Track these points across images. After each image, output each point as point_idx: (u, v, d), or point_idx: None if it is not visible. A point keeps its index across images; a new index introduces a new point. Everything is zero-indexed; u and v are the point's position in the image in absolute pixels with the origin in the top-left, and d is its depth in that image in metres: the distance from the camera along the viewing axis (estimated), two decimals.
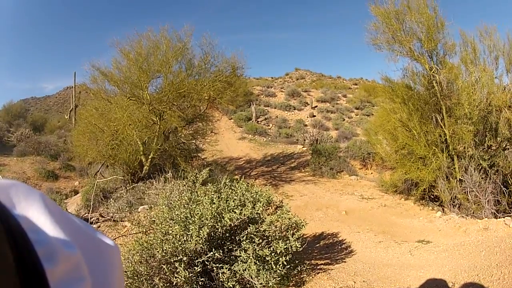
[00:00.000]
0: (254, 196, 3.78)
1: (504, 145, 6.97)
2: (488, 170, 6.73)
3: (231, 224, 3.56)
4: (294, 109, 24.09)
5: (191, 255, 3.48)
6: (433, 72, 7.08)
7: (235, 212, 3.50)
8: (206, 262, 3.49)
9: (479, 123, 6.94)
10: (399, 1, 7.38)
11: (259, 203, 3.67)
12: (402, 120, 7.62)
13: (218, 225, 3.53)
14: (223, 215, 3.52)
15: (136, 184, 7.13)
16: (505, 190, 6.61)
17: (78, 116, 13.70)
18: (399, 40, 7.21)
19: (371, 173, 11.26)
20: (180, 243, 3.44)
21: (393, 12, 7.31)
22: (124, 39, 7.94)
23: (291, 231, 3.76)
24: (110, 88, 8.28)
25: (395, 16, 7.28)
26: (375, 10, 7.47)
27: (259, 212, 3.65)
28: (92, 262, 0.48)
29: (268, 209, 3.97)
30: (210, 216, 3.49)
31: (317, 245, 5.34)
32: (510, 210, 6.39)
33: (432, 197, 7.52)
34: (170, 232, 3.55)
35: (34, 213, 0.42)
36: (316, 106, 24.81)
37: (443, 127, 7.05)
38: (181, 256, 3.41)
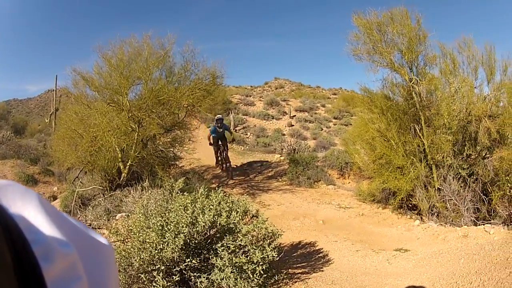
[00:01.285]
0: (230, 205, 3.76)
1: (483, 154, 7.03)
2: (467, 179, 6.78)
3: (206, 231, 3.55)
4: (273, 118, 24.10)
5: (168, 263, 3.47)
6: (413, 83, 7.16)
7: (210, 214, 3.49)
8: (184, 271, 3.48)
9: (458, 133, 7.01)
10: (382, 13, 7.49)
11: (235, 212, 3.67)
12: (380, 130, 7.66)
13: (193, 231, 3.51)
14: (198, 219, 3.50)
15: (114, 192, 7.02)
16: (485, 198, 6.62)
17: (58, 120, 13.49)
18: (380, 51, 7.26)
19: (349, 183, 11.24)
20: (157, 251, 3.43)
21: (376, 23, 7.38)
22: (107, 44, 7.87)
23: (268, 241, 3.76)
24: (91, 93, 8.16)
25: (377, 27, 7.35)
26: (357, 21, 7.52)
27: (235, 221, 3.64)
28: (88, 261, 0.48)
29: (245, 218, 3.96)
30: (185, 223, 3.48)
31: (295, 254, 5.32)
32: (490, 218, 6.40)
33: (410, 206, 7.52)
34: (147, 240, 3.52)
35: (30, 212, 0.42)
36: (295, 116, 24.89)
37: (422, 137, 7.11)
38: (158, 265, 3.41)
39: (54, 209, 0.47)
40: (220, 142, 11.48)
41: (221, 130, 11.17)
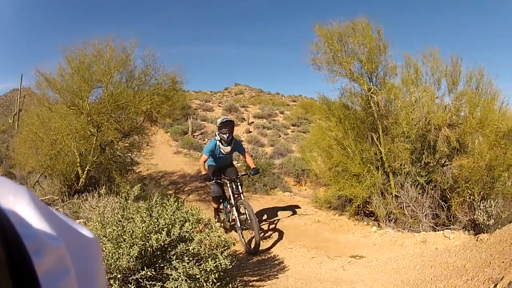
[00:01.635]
0: (184, 215, 3.79)
1: (443, 162, 7.15)
2: (425, 186, 6.89)
3: (160, 244, 3.57)
4: None
5: (124, 272, 3.47)
6: (372, 92, 7.30)
7: (162, 234, 3.51)
8: (140, 280, 3.49)
9: (417, 141, 7.15)
10: (343, 23, 7.56)
11: (188, 222, 3.70)
12: (337, 138, 7.75)
13: (147, 244, 3.53)
14: (151, 235, 3.52)
15: (72, 200, 6.87)
16: (444, 205, 6.71)
17: (21, 122, 13.08)
18: (340, 61, 7.36)
19: (305, 190, 11.34)
20: (113, 260, 3.42)
21: (337, 33, 7.48)
22: (71, 45, 7.71)
23: (220, 249, 3.81)
24: (53, 95, 7.96)
25: (338, 37, 7.46)
26: (319, 30, 7.62)
27: (188, 230, 3.67)
28: (76, 254, 0.50)
29: (198, 226, 4.00)
30: (140, 235, 3.50)
31: (250, 261, 5.35)
32: (450, 223, 6.47)
33: (367, 212, 7.59)
34: (104, 249, 3.52)
35: (21, 207, 0.43)
36: (253, 122, 25.10)
37: (379, 145, 7.27)
38: (115, 274, 3.40)
39: (43, 204, 0.48)
40: (225, 176, 6.13)
41: (229, 148, 5.97)
